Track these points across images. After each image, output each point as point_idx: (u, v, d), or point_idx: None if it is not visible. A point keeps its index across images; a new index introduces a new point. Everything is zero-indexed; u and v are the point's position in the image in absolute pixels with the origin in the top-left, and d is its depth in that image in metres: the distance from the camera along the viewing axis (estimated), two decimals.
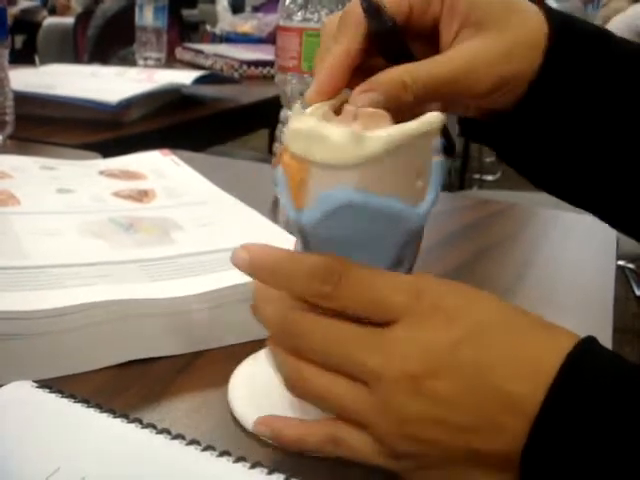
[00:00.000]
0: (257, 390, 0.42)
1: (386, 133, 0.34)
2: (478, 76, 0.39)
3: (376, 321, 0.33)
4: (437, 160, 0.36)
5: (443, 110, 0.42)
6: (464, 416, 0.30)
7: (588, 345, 0.31)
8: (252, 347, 0.46)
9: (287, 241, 0.55)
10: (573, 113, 0.41)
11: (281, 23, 0.66)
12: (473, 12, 0.39)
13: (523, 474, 0.30)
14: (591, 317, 0.55)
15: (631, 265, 1.82)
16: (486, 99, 0.40)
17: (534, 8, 0.41)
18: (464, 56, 0.39)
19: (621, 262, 1.76)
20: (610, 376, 0.30)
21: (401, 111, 0.37)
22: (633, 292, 1.96)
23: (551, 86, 0.40)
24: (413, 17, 0.40)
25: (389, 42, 0.39)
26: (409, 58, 0.39)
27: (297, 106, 0.36)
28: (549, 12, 0.41)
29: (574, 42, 0.40)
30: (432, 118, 0.35)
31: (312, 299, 0.34)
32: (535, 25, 0.40)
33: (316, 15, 0.64)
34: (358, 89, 0.37)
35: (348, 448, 0.34)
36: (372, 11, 0.38)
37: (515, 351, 0.31)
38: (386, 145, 0.33)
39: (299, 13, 0.64)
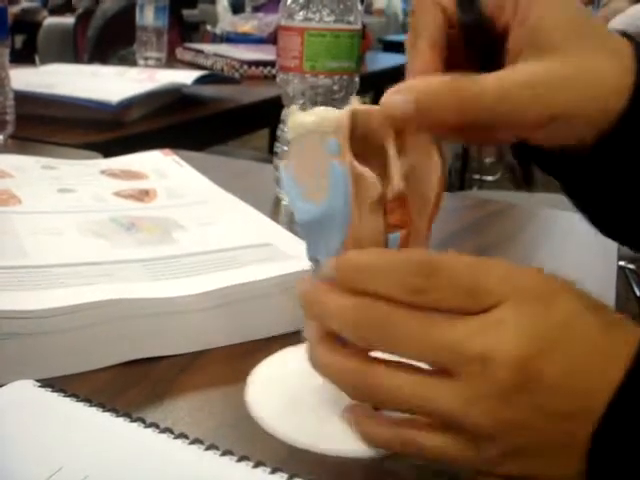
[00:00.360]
0: (279, 393, 0.41)
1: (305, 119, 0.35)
2: (526, 107, 0.34)
3: (474, 310, 0.31)
4: (333, 163, 0.34)
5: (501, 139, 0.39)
6: (564, 403, 0.30)
7: None
8: (255, 346, 0.46)
9: (288, 240, 0.55)
10: None
11: (282, 23, 0.66)
12: (539, 31, 0.35)
13: (590, 459, 0.30)
14: None
15: (631, 266, 1.82)
16: (539, 132, 0.36)
17: (616, 38, 0.36)
18: (513, 80, 0.35)
19: (621, 263, 1.76)
20: None
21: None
22: (634, 293, 1.96)
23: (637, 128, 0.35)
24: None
25: (478, 35, 0.37)
26: (495, 55, 0.37)
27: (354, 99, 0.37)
28: (633, 42, 0.36)
29: None
30: (325, 113, 0.34)
31: (404, 295, 0.32)
32: (613, 53, 0.35)
33: (318, 15, 0.64)
34: (393, 90, 0.35)
35: (422, 449, 0.33)
36: (466, 1, 0.37)
37: (601, 339, 0.31)
38: (292, 130, 0.35)
39: (301, 13, 0.64)
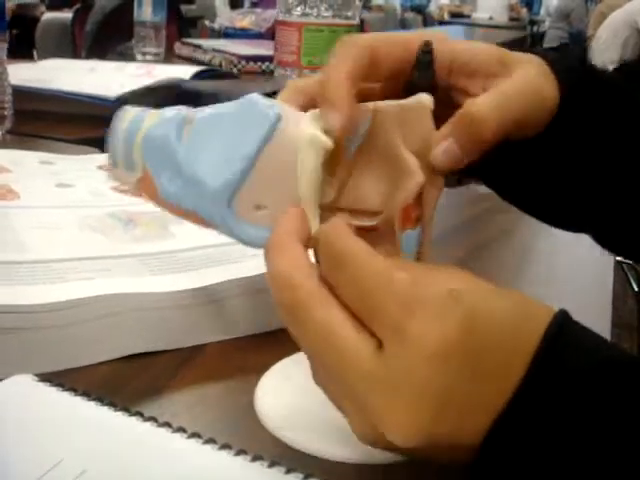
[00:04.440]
0: (290, 401, 0.41)
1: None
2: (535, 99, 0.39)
3: (361, 319, 0.31)
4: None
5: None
6: (465, 440, 0.30)
7: (556, 337, 0.31)
8: (253, 341, 0.47)
9: None
10: (586, 153, 0.42)
11: (280, 18, 0.66)
12: (490, 66, 0.39)
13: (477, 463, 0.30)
14: (589, 313, 0.55)
15: (629, 261, 1.82)
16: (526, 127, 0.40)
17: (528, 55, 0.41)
18: (516, 85, 0.39)
19: (619, 257, 1.76)
20: (575, 374, 0.30)
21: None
22: (631, 288, 1.96)
23: (569, 123, 0.41)
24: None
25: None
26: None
27: None
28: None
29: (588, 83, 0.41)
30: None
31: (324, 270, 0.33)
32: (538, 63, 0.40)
33: (315, 10, 0.64)
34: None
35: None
36: (425, 64, 0.38)
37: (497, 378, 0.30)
38: None
39: (298, 8, 0.64)
